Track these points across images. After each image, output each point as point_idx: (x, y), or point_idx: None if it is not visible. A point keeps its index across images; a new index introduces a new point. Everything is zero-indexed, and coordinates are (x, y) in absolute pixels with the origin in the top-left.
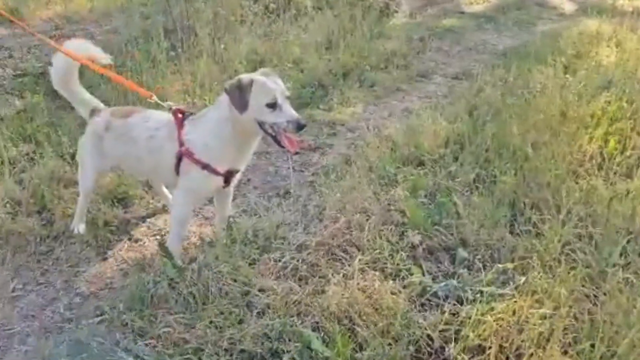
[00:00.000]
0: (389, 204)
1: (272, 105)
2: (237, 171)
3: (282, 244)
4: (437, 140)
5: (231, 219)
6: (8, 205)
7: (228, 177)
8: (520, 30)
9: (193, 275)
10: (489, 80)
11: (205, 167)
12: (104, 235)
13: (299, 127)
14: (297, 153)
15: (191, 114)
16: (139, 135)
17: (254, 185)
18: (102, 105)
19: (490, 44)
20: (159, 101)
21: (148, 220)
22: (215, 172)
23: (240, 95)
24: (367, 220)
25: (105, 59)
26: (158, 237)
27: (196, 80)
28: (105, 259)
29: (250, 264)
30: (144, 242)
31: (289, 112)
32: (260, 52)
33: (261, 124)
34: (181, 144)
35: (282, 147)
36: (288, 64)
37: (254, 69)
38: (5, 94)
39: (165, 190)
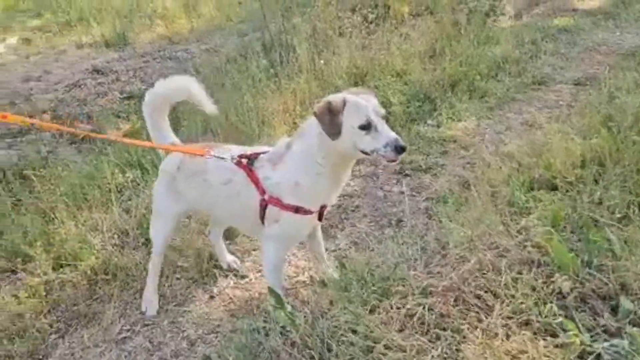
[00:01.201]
0: (524, 239)
1: (366, 127)
2: (326, 206)
3: (403, 286)
4: (571, 159)
5: (342, 254)
6: (116, 236)
7: (321, 212)
8: None
9: (307, 323)
10: (621, 86)
11: (298, 210)
12: (210, 270)
13: (398, 149)
14: None
15: (258, 154)
16: (214, 178)
17: (364, 213)
18: (179, 143)
19: (613, 43)
20: (217, 156)
21: (254, 253)
22: (309, 212)
23: (331, 119)
24: (501, 259)
25: (210, 107)
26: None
27: (296, 98)
28: (211, 297)
29: (370, 311)
30: (251, 279)
31: (386, 133)
32: (361, 65)
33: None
34: (262, 191)
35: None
36: (391, 76)
37: (355, 84)
38: (114, 117)
39: (221, 242)
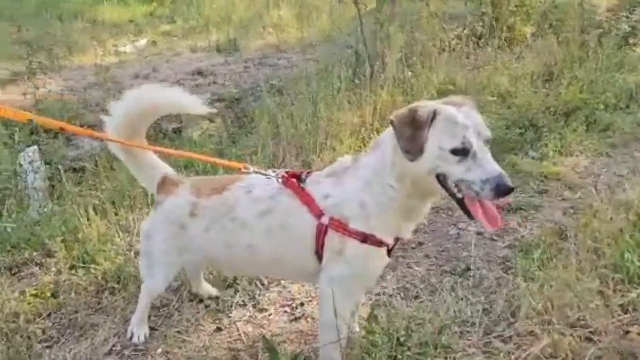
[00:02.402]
0: (629, 322)
1: (462, 152)
2: (406, 238)
3: (445, 358)
4: None
5: (384, 301)
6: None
7: (392, 247)
8: None
9: None
10: None
11: (367, 238)
12: (227, 296)
13: (502, 191)
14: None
15: (308, 172)
16: (246, 213)
17: (426, 253)
18: (173, 173)
19: None
20: (256, 170)
21: (282, 283)
22: (381, 243)
23: (413, 134)
24: (588, 345)
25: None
26: (287, 309)
27: (376, 112)
28: (219, 330)
29: None
30: (270, 314)
31: (489, 165)
32: (459, 82)
33: (442, 179)
34: (319, 213)
35: (473, 218)
36: (492, 97)
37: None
38: (199, 118)
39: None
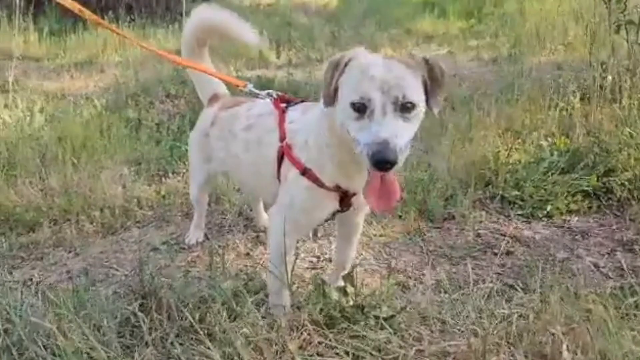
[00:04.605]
0: None
1: (361, 108)
2: (353, 194)
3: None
4: None
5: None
6: None
7: (343, 198)
8: None
9: None
10: None
11: (305, 172)
12: None
13: (377, 160)
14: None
15: (302, 101)
16: (239, 126)
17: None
18: (226, 91)
19: None
20: (254, 90)
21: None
22: (318, 182)
23: (330, 80)
24: None
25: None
26: (313, 260)
27: None
28: (247, 254)
29: None
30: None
31: (376, 127)
32: None
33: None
34: (283, 136)
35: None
36: None
37: None
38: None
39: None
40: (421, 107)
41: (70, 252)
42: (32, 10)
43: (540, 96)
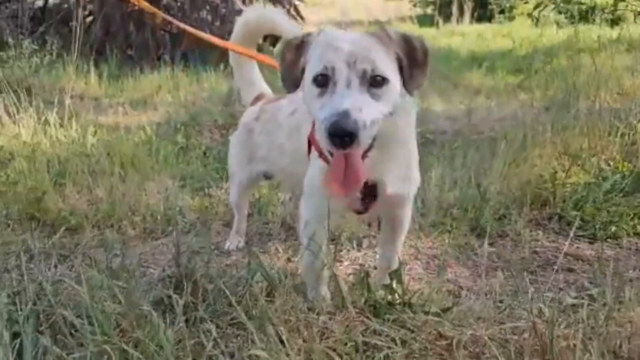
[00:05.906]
0: None
1: (323, 81)
2: (373, 185)
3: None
4: None
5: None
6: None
7: (366, 198)
8: None
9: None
10: None
11: (322, 153)
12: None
13: (331, 131)
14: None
15: None
16: (283, 114)
17: None
18: (270, 92)
19: None
20: None
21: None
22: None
23: (291, 62)
24: None
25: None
26: (357, 267)
27: None
28: (288, 260)
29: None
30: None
31: (338, 98)
32: None
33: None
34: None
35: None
36: None
37: None
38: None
39: None
40: (394, 84)
41: (110, 253)
42: (94, 56)
43: (598, 121)
